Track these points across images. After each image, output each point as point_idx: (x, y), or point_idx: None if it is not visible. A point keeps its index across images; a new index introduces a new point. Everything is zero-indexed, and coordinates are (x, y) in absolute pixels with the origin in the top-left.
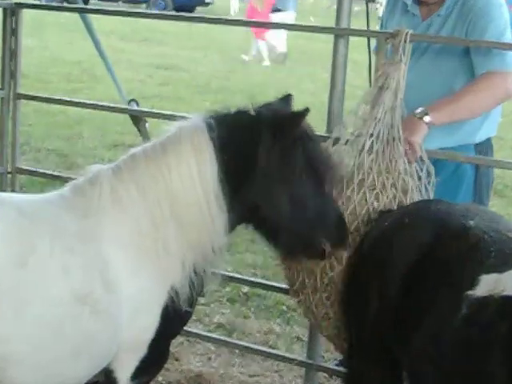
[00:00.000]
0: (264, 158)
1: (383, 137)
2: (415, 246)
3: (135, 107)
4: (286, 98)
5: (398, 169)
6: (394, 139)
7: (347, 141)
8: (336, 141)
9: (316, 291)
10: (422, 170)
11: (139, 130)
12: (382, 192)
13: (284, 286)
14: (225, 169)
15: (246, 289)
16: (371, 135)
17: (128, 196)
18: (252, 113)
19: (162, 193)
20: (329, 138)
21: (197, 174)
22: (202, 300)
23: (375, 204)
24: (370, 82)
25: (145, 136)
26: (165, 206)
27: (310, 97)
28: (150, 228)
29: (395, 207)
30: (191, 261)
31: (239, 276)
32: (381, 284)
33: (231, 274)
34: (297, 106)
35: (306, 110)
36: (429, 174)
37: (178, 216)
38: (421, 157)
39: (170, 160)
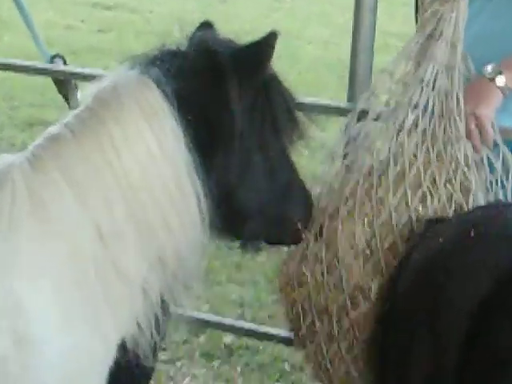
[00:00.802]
0: (240, 117)
1: (434, 109)
2: (488, 275)
3: (61, 66)
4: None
5: (455, 157)
6: (450, 112)
7: (379, 115)
8: (362, 115)
9: (332, 339)
10: (492, 158)
11: (67, 101)
12: (431, 192)
13: (285, 333)
14: (192, 136)
15: (229, 338)
16: (415, 106)
17: (55, 199)
18: (209, 49)
19: (110, 185)
20: (351, 110)
21: (158, 148)
22: (162, 355)
23: (421, 210)
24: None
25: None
26: (117, 206)
27: (321, 49)
28: (92, 244)
29: (451, 214)
30: (157, 286)
31: (219, 319)
32: (433, 333)
33: (207, 317)
34: (301, 63)
35: (274, 36)
36: (504, 163)
37: (138, 217)
38: (494, 140)
39: (114, 133)
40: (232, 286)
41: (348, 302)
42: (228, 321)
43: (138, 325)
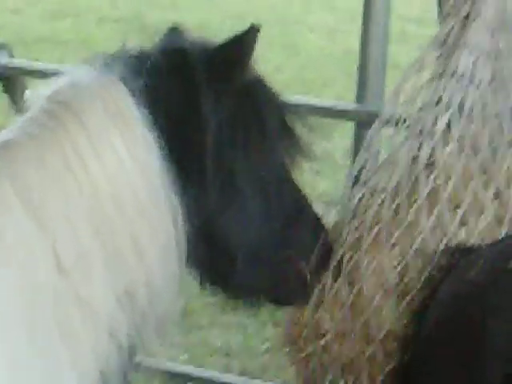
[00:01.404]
0: (213, 128)
1: (474, 108)
2: None
3: (6, 59)
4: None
5: (506, 166)
6: (499, 111)
7: (402, 121)
8: (382, 122)
9: None
10: None
11: (14, 103)
12: (473, 211)
13: None
14: (165, 145)
15: None
16: (448, 106)
17: (5, 217)
18: (179, 49)
19: (73, 200)
20: (360, 113)
21: (128, 157)
22: None
23: (462, 233)
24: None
25: (24, 111)
26: (80, 225)
27: (325, 38)
28: (50, 273)
29: (500, 237)
30: (126, 327)
31: (200, 372)
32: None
33: (186, 369)
34: (302, 55)
35: (254, 31)
36: None
37: (105, 239)
38: None
39: (78, 138)
40: (216, 331)
41: (380, 354)
42: (211, 374)
43: (102, 373)
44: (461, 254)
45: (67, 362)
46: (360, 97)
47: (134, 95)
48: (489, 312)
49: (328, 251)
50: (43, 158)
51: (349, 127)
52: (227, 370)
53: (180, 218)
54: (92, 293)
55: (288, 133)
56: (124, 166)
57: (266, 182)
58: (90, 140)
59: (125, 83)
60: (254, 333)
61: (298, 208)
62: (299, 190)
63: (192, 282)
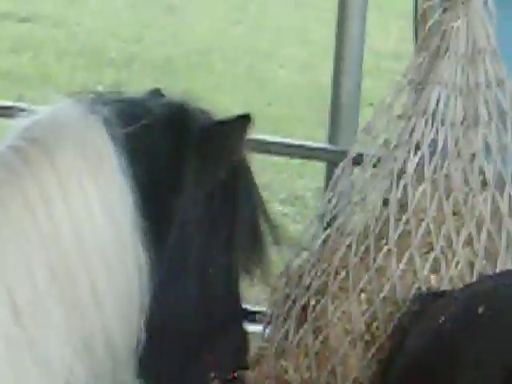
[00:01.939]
0: (188, 204)
1: (446, 148)
2: (501, 365)
3: None
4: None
5: (479, 210)
6: (472, 150)
7: (377, 160)
8: (350, 160)
9: None
10: None
11: None
12: (446, 256)
13: None
14: (141, 202)
15: None
16: (419, 146)
17: None
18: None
19: (32, 245)
20: (332, 153)
21: (99, 204)
22: None
23: (433, 281)
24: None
25: None
26: (39, 272)
27: (295, 73)
28: (5, 323)
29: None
30: (84, 379)
31: None
32: None
33: None
34: (271, 91)
35: (246, 121)
36: None
37: (65, 289)
38: None
39: (45, 179)
40: None
41: None
42: None
43: None
44: (431, 299)
45: None
46: (332, 135)
47: (115, 141)
48: (457, 369)
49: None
50: (4, 200)
51: (320, 167)
52: None
53: (145, 277)
54: (48, 343)
55: (254, 232)
56: (93, 216)
57: (213, 276)
58: (59, 185)
59: (108, 127)
60: None
61: (230, 318)
62: (239, 296)
63: None
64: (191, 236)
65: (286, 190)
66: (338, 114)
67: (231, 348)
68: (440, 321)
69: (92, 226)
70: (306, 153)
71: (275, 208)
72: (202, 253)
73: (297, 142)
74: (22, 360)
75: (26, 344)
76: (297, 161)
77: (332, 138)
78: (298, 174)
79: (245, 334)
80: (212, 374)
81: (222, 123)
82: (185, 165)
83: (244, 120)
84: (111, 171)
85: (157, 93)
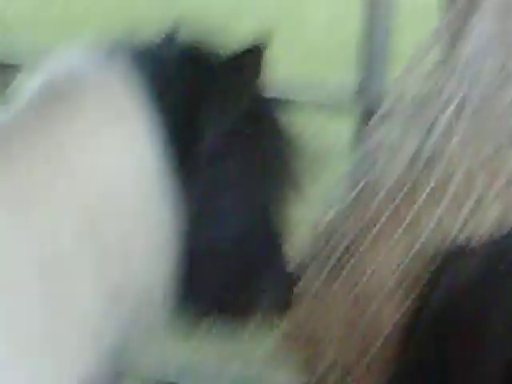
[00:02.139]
0: (208, 136)
1: (479, 102)
2: None
3: None
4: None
5: (509, 165)
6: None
7: (407, 114)
8: (382, 114)
9: None
10: None
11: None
12: (476, 213)
13: None
14: (166, 145)
15: None
16: (451, 97)
17: None
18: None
19: (59, 197)
20: (361, 108)
21: (126, 155)
22: None
23: (465, 234)
24: None
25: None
26: (66, 225)
27: (322, 32)
28: (30, 275)
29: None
30: (112, 333)
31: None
32: None
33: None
34: (297, 50)
35: (258, 52)
36: None
37: (93, 240)
38: None
39: (74, 130)
40: (210, 338)
41: (379, 360)
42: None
43: (86, 381)
44: (456, 254)
45: (48, 368)
46: (361, 91)
47: (136, 90)
48: (484, 326)
49: (289, 292)
50: (32, 151)
51: (350, 122)
52: (221, 377)
53: (173, 221)
54: (76, 295)
55: (284, 165)
56: (119, 165)
57: (249, 208)
58: (85, 136)
59: (130, 76)
60: (250, 339)
61: (270, 245)
62: (279, 226)
63: None
64: (221, 173)
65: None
66: (368, 69)
67: (275, 285)
68: (465, 276)
69: (119, 179)
70: (335, 107)
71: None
72: (234, 189)
73: (326, 97)
74: (51, 311)
75: (54, 296)
76: (325, 116)
77: (362, 94)
78: (325, 130)
79: (289, 273)
80: (257, 308)
81: (235, 57)
82: (204, 103)
83: (256, 51)
84: (135, 120)
85: (174, 32)
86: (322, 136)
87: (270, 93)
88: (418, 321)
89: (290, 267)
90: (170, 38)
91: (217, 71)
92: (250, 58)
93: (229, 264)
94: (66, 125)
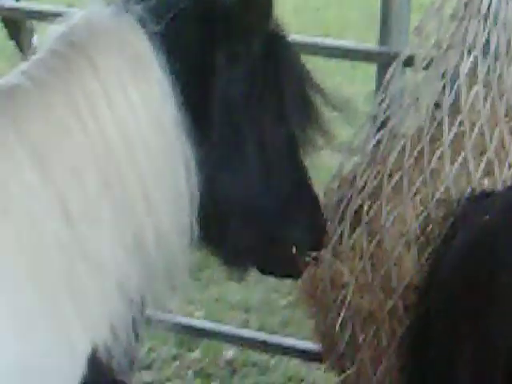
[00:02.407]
0: (225, 85)
1: (499, 48)
2: None
3: (12, 2)
4: None
5: None
6: None
7: (429, 62)
8: (407, 62)
9: (380, 355)
10: None
11: (20, 49)
12: (499, 158)
13: (302, 344)
14: (181, 92)
15: (230, 352)
16: (472, 47)
17: (6, 166)
18: None
19: (81, 150)
20: (383, 54)
21: (142, 105)
22: (146, 374)
23: (486, 182)
24: None
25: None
26: (88, 176)
27: None
28: (56, 225)
29: None
30: (136, 280)
31: (217, 327)
32: (481, 339)
33: (201, 324)
34: None
35: None
36: None
37: (114, 192)
38: None
39: (88, 84)
40: (233, 286)
41: (400, 306)
42: (229, 329)
43: (113, 330)
44: (477, 199)
45: (74, 315)
46: (382, 38)
47: (151, 39)
48: (502, 264)
49: (321, 234)
50: (50, 104)
51: (371, 72)
52: (245, 325)
53: (192, 168)
54: (100, 244)
55: (305, 104)
56: (137, 114)
57: (272, 149)
58: (102, 86)
59: (143, 25)
60: (274, 287)
61: (298, 185)
62: (303, 168)
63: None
64: (238, 114)
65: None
66: (389, 17)
67: (306, 222)
68: (485, 218)
69: (137, 128)
70: (356, 55)
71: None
72: (254, 129)
73: (347, 45)
74: (74, 261)
75: (77, 246)
76: (347, 65)
77: (383, 41)
78: (349, 79)
79: (315, 197)
80: (293, 250)
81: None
82: (216, 47)
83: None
84: (150, 69)
85: None
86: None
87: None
88: (440, 261)
89: (318, 212)
90: None
91: (228, 14)
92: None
93: (258, 213)
94: (86, 77)
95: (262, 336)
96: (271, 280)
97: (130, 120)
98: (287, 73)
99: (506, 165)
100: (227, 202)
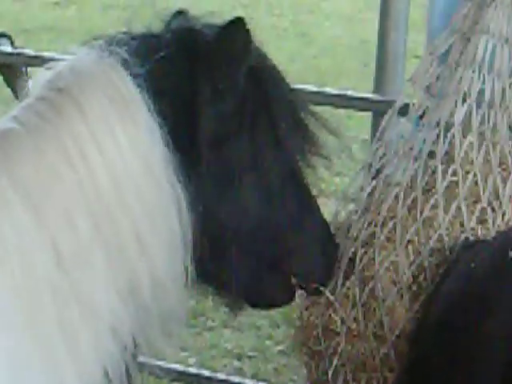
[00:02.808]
0: (208, 120)
1: (493, 98)
2: None
3: (8, 48)
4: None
5: None
6: None
7: (424, 110)
8: (396, 110)
9: None
10: None
11: (15, 94)
12: (493, 207)
13: None
14: (168, 131)
15: None
16: (466, 95)
17: (2, 211)
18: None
19: (72, 194)
20: (378, 102)
21: (130, 147)
22: None
23: (480, 231)
24: None
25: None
26: (80, 220)
27: (341, 27)
28: (49, 271)
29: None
30: (129, 325)
31: (210, 374)
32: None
33: (195, 371)
34: (316, 44)
35: (239, 20)
36: None
37: (107, 235)
38: None
39: (77, 128)
40: (227, 333)
41: (392, 355)
42: (222, 376)
43: (106, 374)
44: (466, 247)
45: (68, 359)
46: (377, 87)
47: (136, 79)
48: (488, 312)
49: (333, 260)
50: (41, 149)
51: (366, 118)
52: (239, 372)
53: (184, 208)
54: (93, 289)
55: (299, 127)
56: (126, 157)
57: (272, 176)
58: (90, 130)
59: (127, 67)
60: (268, 334)
61: (303, 209)
62: (307, 191)
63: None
64: (228, 147)
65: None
66: (384, 66)
67: (314, 249)
68: (472, 265)
69: (126, 169)
70: (351, 103)
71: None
72: (248, 159)
73: (343, 92)
74: (67, 306)
75: (70, 290)
76: (342, 113)
77: (378, 90)
78: (344, 127)
79: (322, 220)
80: (294, 281)
81: (220, 32)
82: (199, 84)
83: (237, 22)
84: (136, 111)
85: (181, 14)
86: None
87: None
88: (429, 309)
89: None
90: (164, 26)
91: (209, 51)
92: (235, 28)
93: (255, 248)
94: (74, 121)
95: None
96: (264, 327)
97: (119, 163)
98: (277, 99)
99: (500, 214)
100: (225, 235)
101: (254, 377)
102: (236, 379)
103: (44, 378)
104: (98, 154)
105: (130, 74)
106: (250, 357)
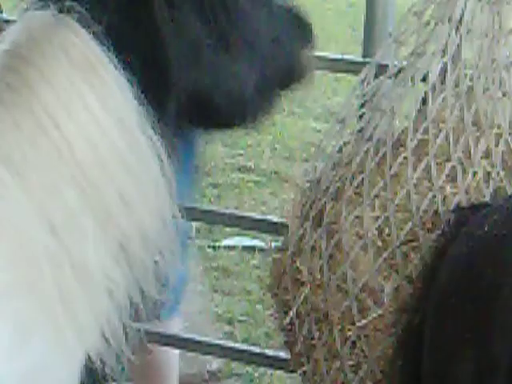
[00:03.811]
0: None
1: (470, 58)
2: None
3: None
4: None
5: (498, 122)
6: (495, 61)
7: (399, 69)
8: (372, 67)
9: (333, 355)
10: None
11: None
12: (463, 166)
13: (286, 355)
14: (138, 82)
15: (214, 363)
16: (443, 53)
17: None
18: None
19: (54, 165)
20: (366, 65)
21: (101, 107)
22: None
23: (448, 189)
24: None
25: None
26: (66, 189)
27: None
28: (44, 239)
29: (488, 196)
30: (124, 285)
31: (201, 339)
32: (481, 354)
33: (185, 335)
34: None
35: None
36: None
37: (93, 199)
38: None
39: (45, 97)
40: (218, 298)
41: (354, 308)
42: (213, 341)
43: (104, 336)
44: (472, 210)
45: (68, 324)
46: (366, 50)
47: (96, 36)
48: (502, 277)
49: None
50: (17, 121)
51: (355, 82)
52: (230, 337)
53: (165, 158)
54: (86, 253)
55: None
56: (98, 119)
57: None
58: (58, 98)
59: (82, 23)
60: (258, 299)
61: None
62: None
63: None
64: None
65: (320, 106)
66: (373, 29)
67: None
68: (485, 228)
69: (101, 131)
70: (340, 67)
71: (309, 124)
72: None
73: (331, 56)
74: (63, 271)
75: (65, 257)
76: (331, 76)
77: (367, 53)
78: (332, 91)
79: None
80: None
81: None
82: (162, 21)
83: None
84: (101, 69)
85: None
86: None
87: None
88: (435, 273)
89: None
90: None
91: None
92: None
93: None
94: (41, 90)
95: (246, 347)
96: (256, 291)
97: (92, 126)
98: None
99: (471, 173)
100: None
101: (245, 341)
102: (226, 343)
103: (46, 342)
104: (70, 120)
105: (89, 32)
106: (240, 321)
